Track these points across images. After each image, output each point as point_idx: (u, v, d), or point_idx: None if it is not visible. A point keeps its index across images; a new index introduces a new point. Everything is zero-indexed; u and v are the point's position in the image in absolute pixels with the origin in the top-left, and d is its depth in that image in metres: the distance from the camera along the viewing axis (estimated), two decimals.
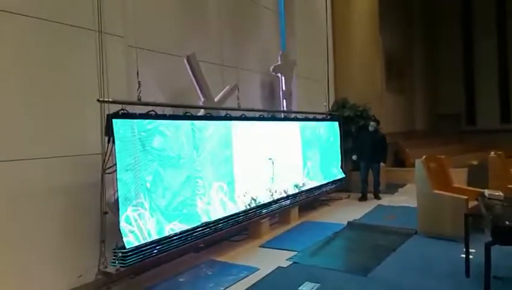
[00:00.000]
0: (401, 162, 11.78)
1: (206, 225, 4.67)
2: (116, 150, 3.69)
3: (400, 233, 5.49)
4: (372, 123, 7.90)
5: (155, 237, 3.98)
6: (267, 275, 4.25)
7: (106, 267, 3.85)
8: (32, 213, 3.57)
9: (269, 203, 5.90)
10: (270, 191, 5.97)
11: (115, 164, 3.70)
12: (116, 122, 3.72)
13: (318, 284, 3.90)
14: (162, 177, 4.18)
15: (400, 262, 4.50)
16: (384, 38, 10.52)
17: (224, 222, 4.97)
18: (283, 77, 7.31)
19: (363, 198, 8.00)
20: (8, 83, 3.48)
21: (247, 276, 4.22)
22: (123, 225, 3.70)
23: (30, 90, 3.64)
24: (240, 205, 5.29)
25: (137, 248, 3.82)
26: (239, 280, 4.12)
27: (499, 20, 15.50)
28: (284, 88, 7.34)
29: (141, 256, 3.86)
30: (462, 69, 16.21)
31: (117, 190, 3.69)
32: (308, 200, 7.11)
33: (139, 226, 3.86)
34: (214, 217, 4.79)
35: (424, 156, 5.53)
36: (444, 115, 15.88)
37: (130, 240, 3.73)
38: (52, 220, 3.73)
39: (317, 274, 4.20)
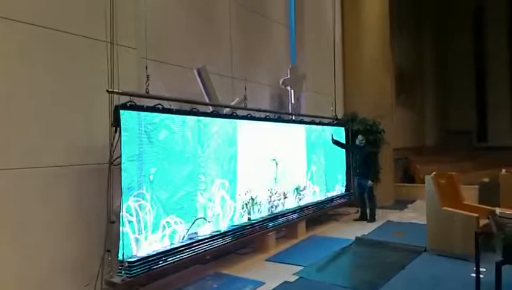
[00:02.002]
0: (411, 178, 11.66)
1: (212, 236, 4.67)
2: (122, 141, 3.75)
3: (409, 250, 5.41)
4: (360, 137, 7.57)
5: (150, 229, 4.02)
6: (273, 289, 4.20)
7: (112, 277, 3.83)
8: (37, 221, 3.61)
9: (276, 217, 5.88)
10: (270, 192, 5.97)
11: (121, 155, 3.75)
12: (124, 113, 3.80)
13: None
14: (166, 170, 4.23)
15: (408, 280, 4.43)
16: (394, 53, 10.52)
17: (231, 234, 4.96)
18: (292, 90, 7.33)
19: (362, 217, 7.52)
20: (19, 93, 3.55)
21: None
22: (124, 214, 3.74)
23: (42, 100, 3.71)
24: (239, 203, 5.32)
25: (143, 258, 3.84)
26: None
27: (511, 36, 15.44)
28: (293, 101, 7.36)
29: (147, 267, 3.86)
30: (473, 85, 16.10)
31: (121, 179, 3.75)
32: (316, 214, 7.05)
33: (138, 217, 3.91)
34: (210, 214, 4.82)
35: (434, 173, 5.47)
36: (455, 130, 15.73)
37: (126, 230, 3.77)
38: (58, 228, 3.76)
39: None
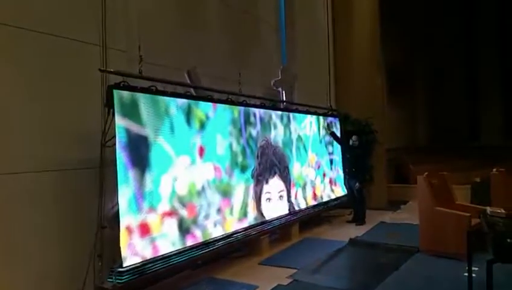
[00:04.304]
0: (404, 178, 11.70)
1: (204, 243, 4.64)
2: (116, 121, 3.72)
3: (402, 251, 5.41)
4: (354, 138, 7.54)
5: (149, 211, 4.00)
6: None
7: (103, 282, 3.78)
8: (26, 226, 3.57)
9: (271, 220, 5.87)
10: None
11: (114, 137, 3.72)
12: (117, 94, 3.77)
13: None
14: (163, 153, 4.20)
15: (401, 281, 4.43)
16: (385, 53, 10.56)
17: (224, 239, 4.92)
18: (284, 92, 7.33)
19: (355, 219, 7.47)
20: (10, 97, 3.52)
21: None
22: (120, 193, 3.71)
23: (33, 105, 3.69)
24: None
25: (135, 266, 3.79)
26: None
27: (502, 35, 15.59)
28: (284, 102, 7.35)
29: (139, 272, 3.81)
30: (465, 85, 16.23)
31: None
32: (310, 216, 7.04)
33: (136, 198, 3.87)
34: (208, 201, 4.78)
35: (426, 173, 5.48)
36: (448, 130, 15.82)
37: (123, 205, 3.72)
38: (48, 232, 3.72)
39: None
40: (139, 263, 3.82)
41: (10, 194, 3.50)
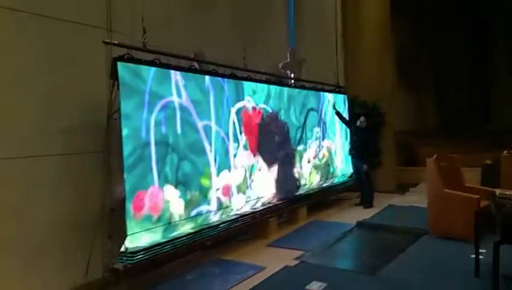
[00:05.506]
0: (413, 161, 11.63)
1: (212, 226, 4.70)
2: (121, 95, 3.72)
3: (410, 233, 5.42)
4: (361, 118, 7.35)
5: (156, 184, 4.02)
6: (274, 273, 4.24)
7: (114, 263, 3.86)
8: (37, 208, 3.64)
9: (277, 204, 5.90)
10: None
11: (118, 110, 3.72)
12: (122, 66, 3.76)
13: (325, 284, 3.86)
14: (168, 127, 4.18)
15: (408, 262, 4.45)
16: (395, 35, 10.37)
17: (232, 222, 4.99)
18: (292, 74, 7.28)
19: (362, 202, 7.45)
20: (16, 82, 3.54)
21: (254, 275, 4.21)
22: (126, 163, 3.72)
23: (39, 91, 3.71)
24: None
25: (146, 247, 3.86)
26: (246, 279, 4.12)
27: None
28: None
29: (150, 253, 3.89)
30: (476, 67, 15.92)
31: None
32: (317, 199, 7.07)
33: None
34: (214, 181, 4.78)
35: (435, 155, 5.44)
36: (458, 112, 15.59)
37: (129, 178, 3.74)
38: (59, 215, 3.79)
39: (325, 273, 4.18)
40: (149, 246, 3.88)
41: (17, 178, 3.55)
